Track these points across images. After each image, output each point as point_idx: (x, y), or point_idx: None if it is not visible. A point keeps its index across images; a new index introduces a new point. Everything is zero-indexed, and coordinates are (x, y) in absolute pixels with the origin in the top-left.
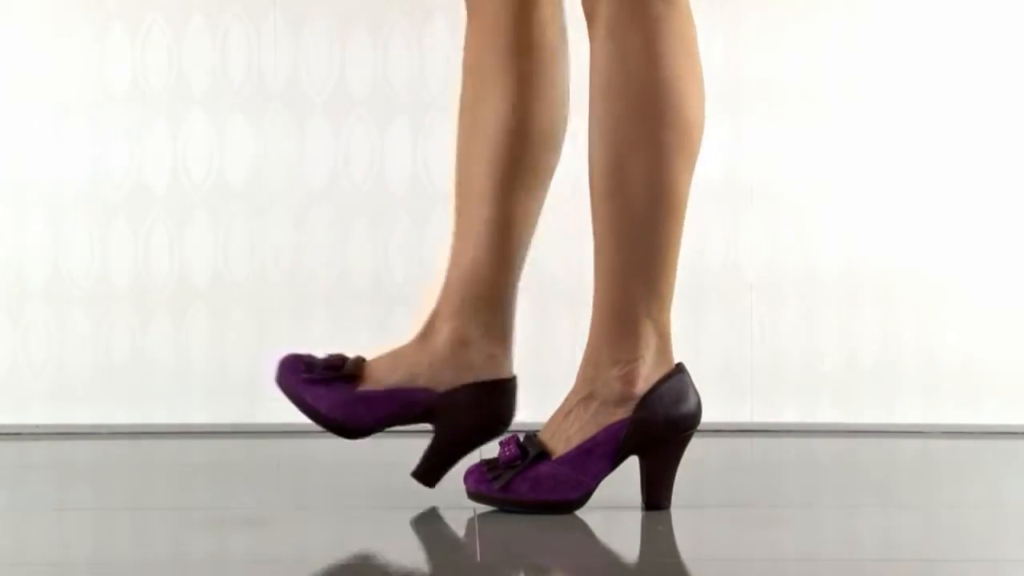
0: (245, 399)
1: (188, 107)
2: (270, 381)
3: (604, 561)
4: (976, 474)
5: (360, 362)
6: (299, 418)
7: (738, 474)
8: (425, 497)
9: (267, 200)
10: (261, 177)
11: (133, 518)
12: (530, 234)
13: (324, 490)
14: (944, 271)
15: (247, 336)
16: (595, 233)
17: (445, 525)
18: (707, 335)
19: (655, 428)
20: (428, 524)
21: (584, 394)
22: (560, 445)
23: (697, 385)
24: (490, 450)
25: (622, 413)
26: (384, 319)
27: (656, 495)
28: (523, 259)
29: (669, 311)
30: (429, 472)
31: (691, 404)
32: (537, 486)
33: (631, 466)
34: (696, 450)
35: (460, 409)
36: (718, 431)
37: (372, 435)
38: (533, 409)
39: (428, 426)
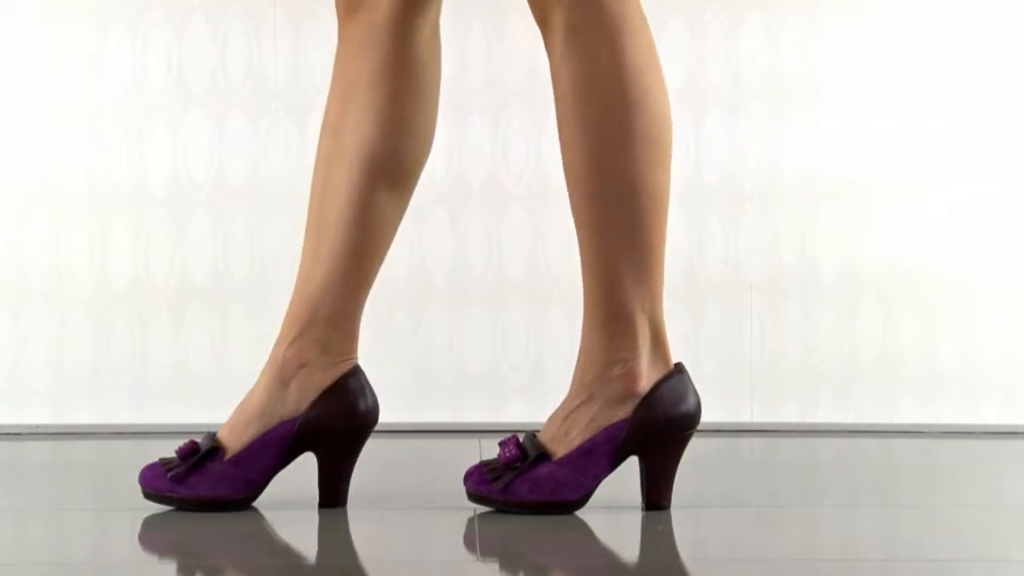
0: None
1: (188, 107)
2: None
3: (604, 561)
4: (976, 474)
5: (213, 435)
6: None
7: (738, 474)
8: (425, 497)
9: (267, 200)
10: (261, 177)
11: (133, 518)
12: (385, 254)
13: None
14: (944, 271)
15: (247, 336)
16: (581, 235)
17: (445, 525)
18: (707, 335)
19: (655, 428)
20: (428, 524)
21: (584, 397)
22: (561, 447)
23: (697, 385)
24: (489, 451)
25: (623, 413)
26: (384, 319)
27: (656, 495)
28: (375, 276)
29: (662, 305)
30: (329, 493)
31: (691, 404)
32: (537, 487)
33: (631, 466)
34: (696, 450)
35: (322, 421)
36: (718, 431)
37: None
38: (533, 409)
39: (414, 421)
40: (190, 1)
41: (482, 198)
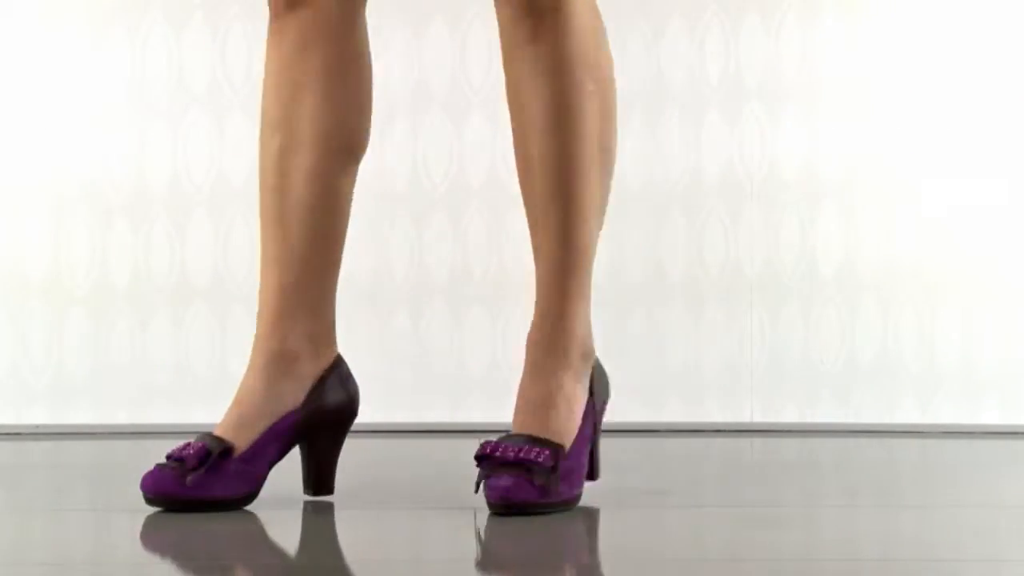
0: None
1: (188, 107)
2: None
3: (604, 561)
4: (976, 474)
5: (215, 436)
6: None
7: (738, 474)
8: (425, 497)
9: None
10: None
11: (133, 518)
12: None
13: None
14: (944, 271)
15: (247, 336)
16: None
17: (445, 525)
18: (707, 335)
19: None
20: (428, 524)
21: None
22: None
23: (697, 385)
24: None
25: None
26: (384, 319)
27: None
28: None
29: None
30: (321, 482)
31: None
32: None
33: (636, 465)
34: (696, 450)
35: (322, 411)
36: (718, 431)
37: None
38: None
39: (414, 421)
40: (190, 1)
41: (482, 198)
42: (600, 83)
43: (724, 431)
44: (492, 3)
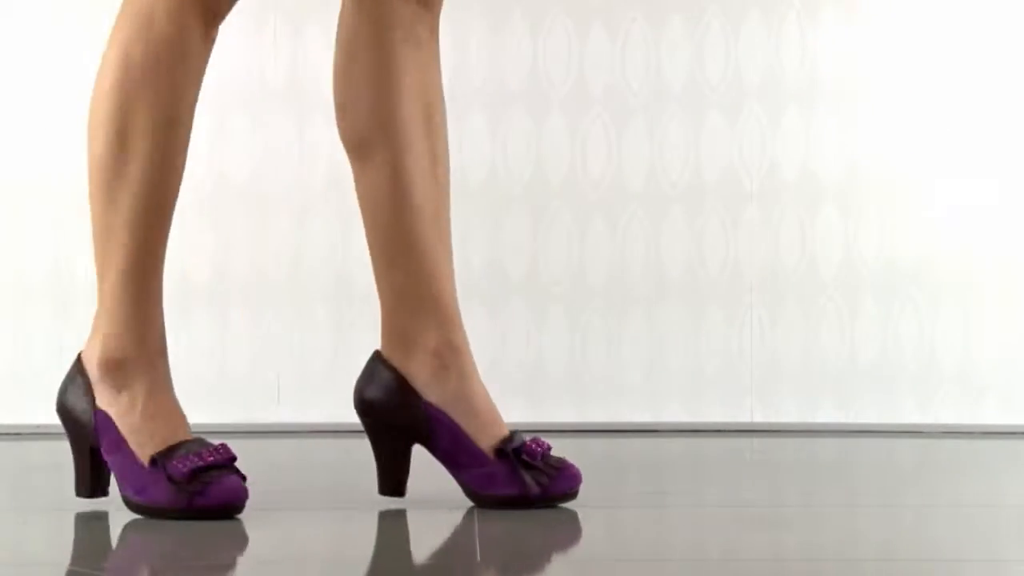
0: (245, 399)
1: None
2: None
3: (604, 560)
4: (976, 474)
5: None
6: (297, 418)
7: (738, 474)
8: (425, 497)
9: (267, 200)
10: (261, 177)
11: (133, 518)
12: None
13: (323, 490)
14: (944, 271)
15: (247, 336)
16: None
17: (445, 525)
18: (707, 335)
19: None
20: (428, 524)
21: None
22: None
23: (697, 385)
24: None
25: None
26: None
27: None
28: None
29: None
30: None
31: None
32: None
33: (636, 465)
34: (696, 450)
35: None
36: (718, 431)
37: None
38: (533, 409)
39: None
40: None
41: (483, 198)
42: None
43: (724, 431)
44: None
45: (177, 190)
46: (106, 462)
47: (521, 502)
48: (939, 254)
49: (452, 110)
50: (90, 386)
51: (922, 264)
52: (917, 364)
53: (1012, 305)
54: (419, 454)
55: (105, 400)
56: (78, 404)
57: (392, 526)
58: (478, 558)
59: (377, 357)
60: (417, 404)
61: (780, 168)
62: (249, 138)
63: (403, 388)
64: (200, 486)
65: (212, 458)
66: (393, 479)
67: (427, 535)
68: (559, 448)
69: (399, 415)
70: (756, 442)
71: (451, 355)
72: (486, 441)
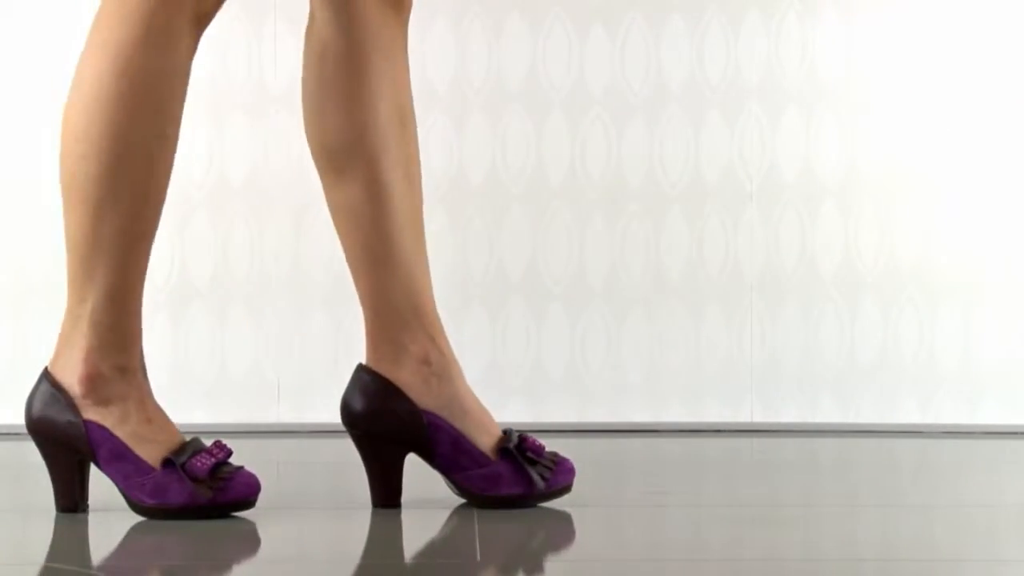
0: (245, 399)
1: (188, 107)
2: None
3: (604, 560)
4: (976, 474)
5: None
6: (297, 418)
7: (738, 474)
8: (424, 497)
9: (267, 200)
10: (261, 177)
11: (133, 518)
12: None
13: (323, 490)
14: (944, 271)
15: (247, 336)
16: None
17: (445, 525)
18: (707, 335)
19: None
20: (427, 524)
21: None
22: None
23: (697, 385)
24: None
25: None
26: None
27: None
28: None
29: None
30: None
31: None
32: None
33: (636, 465)
34: (696, 450)
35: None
36: (718, 431)
37: None
38: (533, 409)
39: None
40: None
41: (482, 198)
42: None
43: (724, 431)
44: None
45: (163, 205)
46: (104, 473)
47: (527, 499)
48: (939, 254)
49: (451, 111)
50: (71, 400)
51: (922, 264)
52: (917, 364)
53: (1012, 305)
54: (414, 456)
55: (93, 413)
56: (61, 417)
57: (392, 526)
58: (478, 558)
59: (363, 369)
60: (415, 411)
61: (780, 168)
62: (249, 138)
63: (397, 396)
64: (220, 482)
65: (221, 454)
66: (389, 489)
67: (427, 535)
68: (558, 448)
69: (395, 424)
70: (756, 442)
71: (439, 360)
72: (486, 441)
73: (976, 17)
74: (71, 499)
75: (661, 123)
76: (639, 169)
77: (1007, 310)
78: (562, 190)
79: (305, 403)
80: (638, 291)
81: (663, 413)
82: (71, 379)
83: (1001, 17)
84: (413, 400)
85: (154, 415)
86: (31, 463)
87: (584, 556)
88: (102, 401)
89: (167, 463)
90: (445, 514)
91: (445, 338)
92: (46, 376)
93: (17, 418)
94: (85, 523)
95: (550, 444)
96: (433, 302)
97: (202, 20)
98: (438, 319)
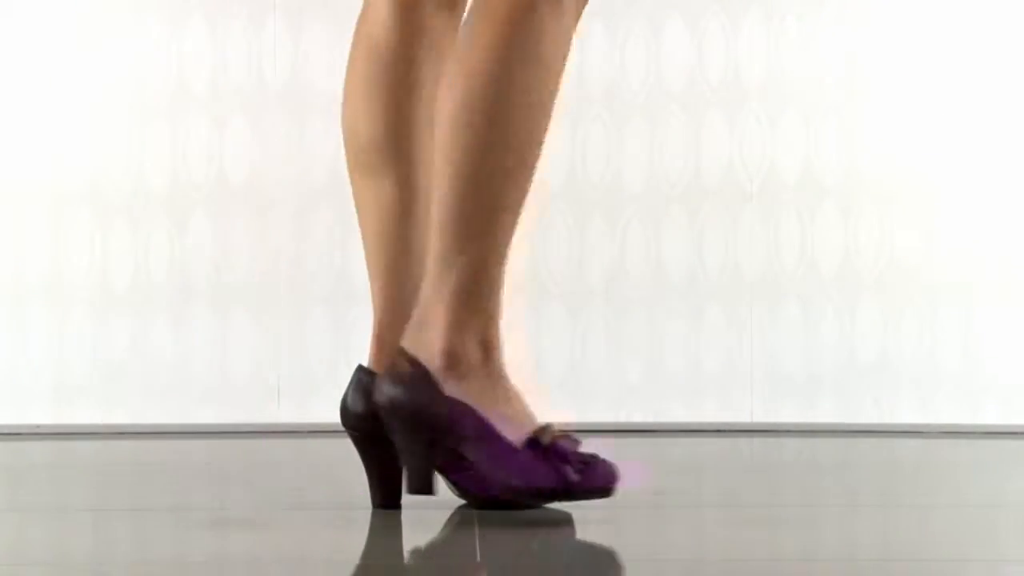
0: (245, 399)
1: (188, 107)
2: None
3: (604, 560)
4: (976, 474)
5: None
6: (297, 418)
7: (738, 474)
8: (424, 497)
9: (267, 200)
10: (261, 177)
11: (133, 518)
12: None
13: (323, 490)
14: (944, 271)
15: (247, 336)
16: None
17: (445, 525)
18: (707, 335)
19: None
20: (427, 524)
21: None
22: None
23: (697, 385)
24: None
25: None
26: None
27: None
28: None
29: None
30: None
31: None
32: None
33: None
34: (696, 450)
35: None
36: (718, 431)
37: None
38: (535, 410)
39: None
40: (190, 1)
41: None
42: None
43: (724, 431)
44: None
45: (532, 178)
46: (461, 451)
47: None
48: (939, 254)
49: None
50: (430, 377)
51: (922, 264)
52: (917, 364)
53: (1012, 305)
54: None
55: (455, 389)
56: (417, 395)
57: (392, 526)
58: (478, 558)
59: (364, 371)
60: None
61: (780, 168)
62: (249, 138)
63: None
64: (583, 467)
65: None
66: (389, 490)
67: (427, 535)
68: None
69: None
70: (756, 442)
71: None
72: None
73: (976, 17)
74: (424, 482)
75: (661, 123)
76: (639, 169)
77: (1007, 310)
78: (562, 190)
79: (305, 403)
80: (638, 291)
81: (663, 413)
82: (428, 354)
83: (1001, 17)
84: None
85: (513, 394)
86: (32, 463)
87: (584, 556)
88: (462, 377)
89: (533, 443)
90: (445, 514)
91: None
92: (400, 355)
93: (17, 418)
94: (87, 521)
95: None
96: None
97: None
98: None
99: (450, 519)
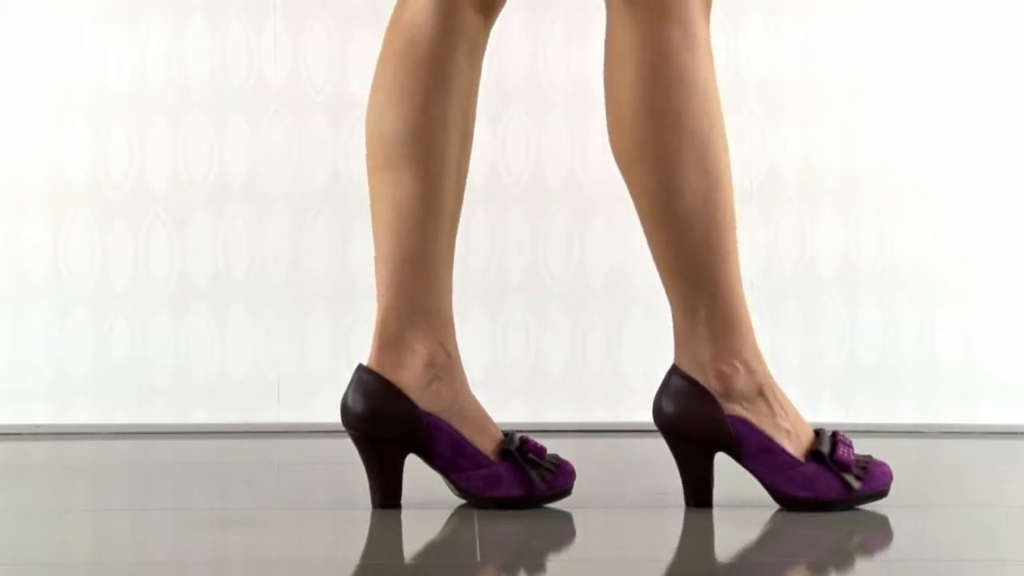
0: (245, 399)
1: (188, 107)
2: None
3: (604, 560)
4: (976, 474)
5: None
6: (297, 418)
7: (739, 474)
8: (424, 497)
9: (267, 200)
10: (261, 177)
11: (133, 518)
12: None
13: (323, 490)
14: (944, 271)
15: (247, 336)
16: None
17: (445, 525)
18: None
19: None
20: (427, 524)
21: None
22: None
23: None
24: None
25: None
26: None
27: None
28: None
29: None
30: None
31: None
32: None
33: (636, 465)
34: None
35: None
36: None
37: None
38: (533, 409)
39: None
40: (190, 1)
41: (482, 198)
42: None
43: None
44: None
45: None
46: (745, 468)
47: (527, 501)
48: (939, 254)
49: None
50: (710, 396)
51: (922, 264)
52: (917, 364)
53: (1012, 305)
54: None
55: (733, 408)
56: (704, 415)
57: (392, 526)
58: (478, 558)
59: (364, 370)
60: (415, 413)
61: (780, 168)
62: (249, 138)
63: (398, 398)
64: (864, 472)
65: None
66: (389, 489)
67: (427, 535)
68: (558, 448)
69: (395, 426)
70: None
71: (444, 363)
72: (486, 443)
73: (977, 17)
74: (689, 500)
75: None
76: None
77: (1007, 310)
78: (562, 190)
79: (305, 403)
80: (638, 291)
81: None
82: (704, 375)
83: (1001, 17)
84: (414, 401)
85: (786, 406)
86: (32, 463)
87: (584, 556)
88: (737, 396)
89: (816, 455)
90: (445, 514)
91: (455, 342)
92: (672, 375)
93: (17, 418)
94: (87, 521)
95: (550, 444)
96: (451, 306)
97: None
98: (452, 323)
99: (450, 519)
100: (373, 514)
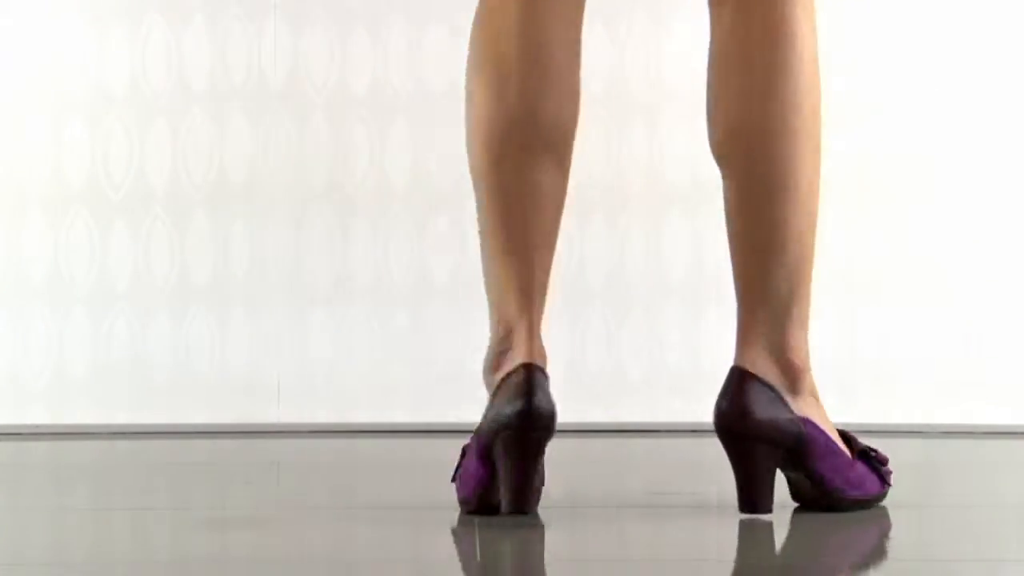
0: (245, 399)
1: (188, 107)
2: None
3: (604, 561)
4: (976, 474)
5: None
6: (297, 418)
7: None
8: (424, 497)
9: (267, 200)
10: (261, 177)
11: (133, 518)
12: None
13: (324, 490)
14: (944, 271)
15: (247, 336)
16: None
17: (445, 525)
18: (707, 335)
19: None
20: (427, 524)
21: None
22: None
23: (697, 385)
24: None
25: None
26: (384, 319)
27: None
28: None
29: None
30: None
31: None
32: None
33: (636, 465)
34: (697, 450)
35: None
36: None
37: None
38: None
39: (414, 421)
40: (190, 1)
41: None
42: None
43: None
44: None
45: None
46: (812, 469)
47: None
48: (939, 254)
49: (450, 110)
50: (781, 397)
51: (922, 264)
52: (917, 364)
53: (1012, 305)
54: (414, 456)
55: (800, 407)
56: (780, 415)
57: (392, 527)
58: (478, 558)
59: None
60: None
61: None
62: (249, 138)
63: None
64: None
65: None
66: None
67: (427, 536)
68: (559, 448)
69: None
70: None
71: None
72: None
73: (978, 17)
74: (767, 496)
75: (661, 123)
76: (639, 169)
77: (1007, 310)
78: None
79: (305, 403)
80: (638, 291)
81: (663, 413)
82: (772, 375)
83: (1003, 17)
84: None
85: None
86: (32, 463)
87: (584, 556)
88: (801, 396)
89: (863, 455)
90: (445, 515)
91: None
92: (739, 373)
93: (17, 418)
94: (87, 521)
95: (550, 444)
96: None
97: None
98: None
99: (450, 520)
100: (373, 514)
